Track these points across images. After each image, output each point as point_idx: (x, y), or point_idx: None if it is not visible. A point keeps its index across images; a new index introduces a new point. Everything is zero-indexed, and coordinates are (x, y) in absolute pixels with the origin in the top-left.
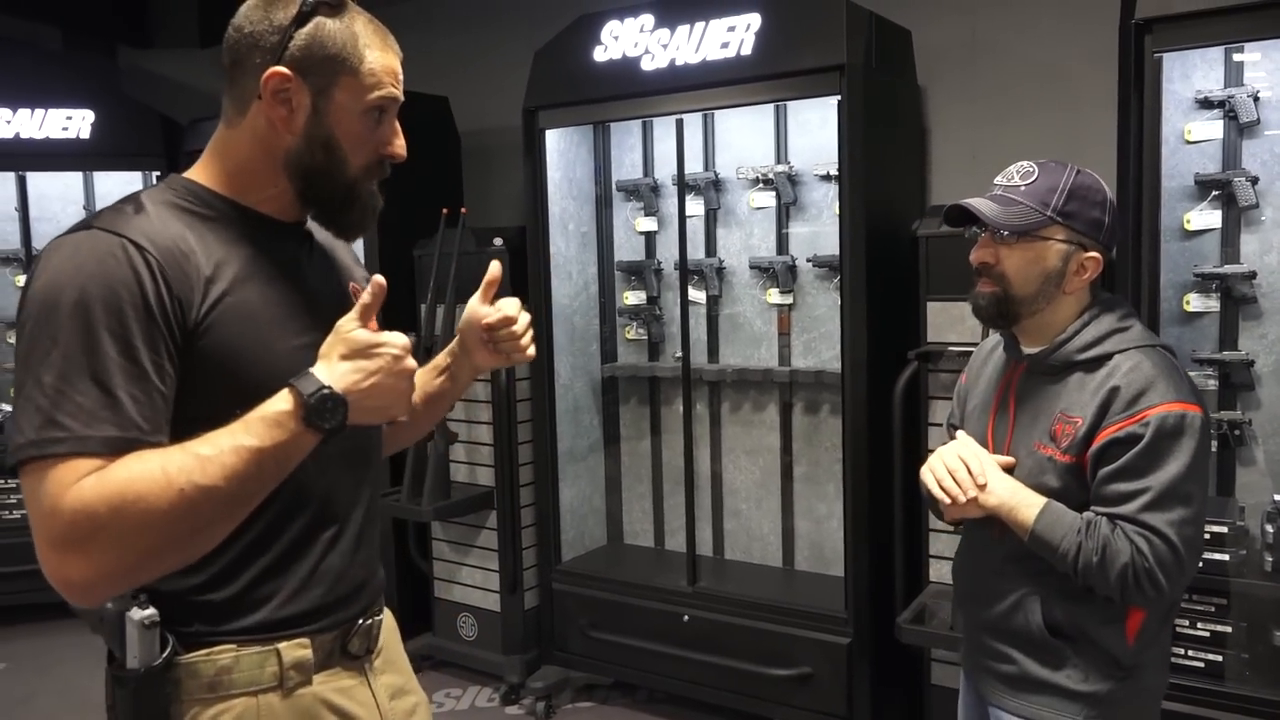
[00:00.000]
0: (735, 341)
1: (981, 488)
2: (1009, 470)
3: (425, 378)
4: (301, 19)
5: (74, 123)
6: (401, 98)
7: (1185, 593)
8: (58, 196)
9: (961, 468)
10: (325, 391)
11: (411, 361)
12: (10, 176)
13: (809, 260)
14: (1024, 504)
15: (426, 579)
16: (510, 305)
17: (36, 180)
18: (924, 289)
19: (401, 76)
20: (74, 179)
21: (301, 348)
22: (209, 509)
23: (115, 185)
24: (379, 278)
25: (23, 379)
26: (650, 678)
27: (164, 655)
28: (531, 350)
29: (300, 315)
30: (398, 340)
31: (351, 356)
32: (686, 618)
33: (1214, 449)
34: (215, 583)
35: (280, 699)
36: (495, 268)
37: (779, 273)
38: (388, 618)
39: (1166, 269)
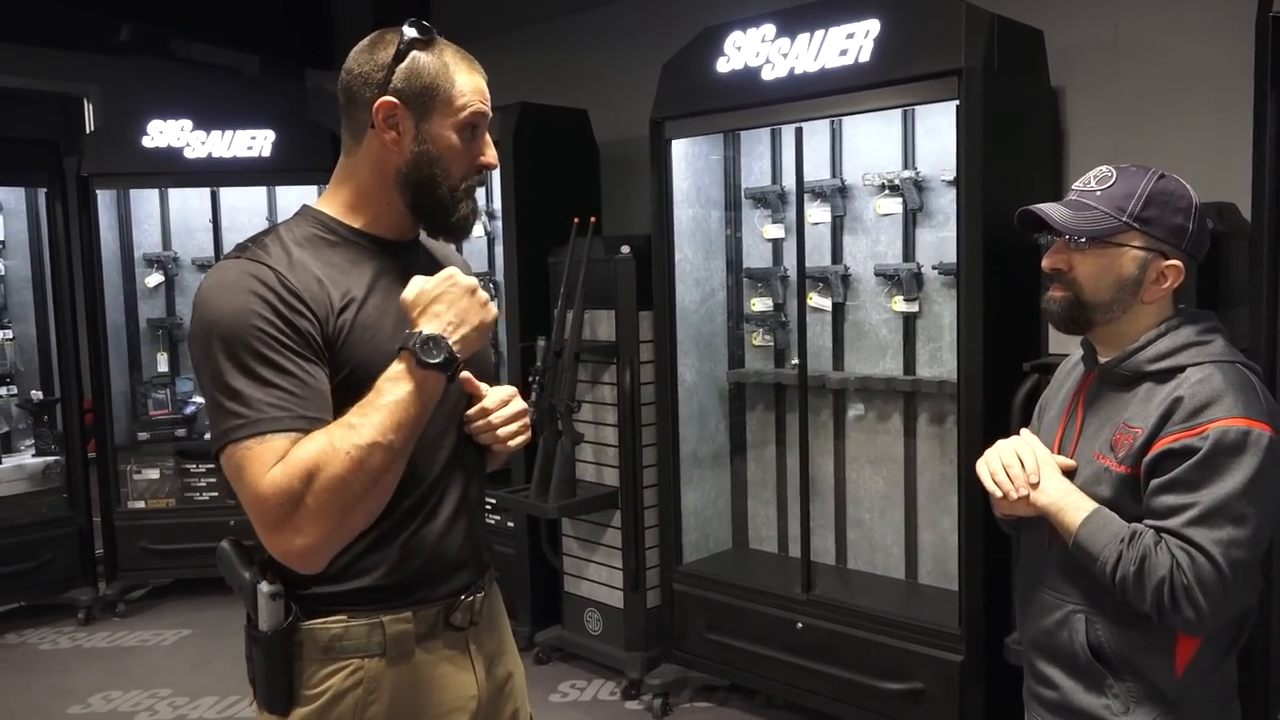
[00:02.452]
0: (860, 349)
1: (1034, 486)
2: (1069, 474)
3: None
4: (400, 56)
5: (257, 142)
6: (489, 113)
7: None
8: (245, 209)
9: (1017, 463)
10: (422, 335)
11: (466, 279)
12: (205, 192)
13: (934, 268)
14: (1073, 506)
15: (557, 573)
16: (493, 397)
17: (227, 195)
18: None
19: (488, 95)
20: (258, 193)
21: None
22: (375, 461)
23: (295, 198)
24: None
25: (206, 386)
26: (765, 682)
27: (288, 621)
28: (515, 441)
29: (408, 321)
30: (445, 273)
31: (423, 310)
32: (800, 625)
33: None
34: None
35: (385, 665)
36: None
37: (904, 280)
38: (494, 593)
39: None
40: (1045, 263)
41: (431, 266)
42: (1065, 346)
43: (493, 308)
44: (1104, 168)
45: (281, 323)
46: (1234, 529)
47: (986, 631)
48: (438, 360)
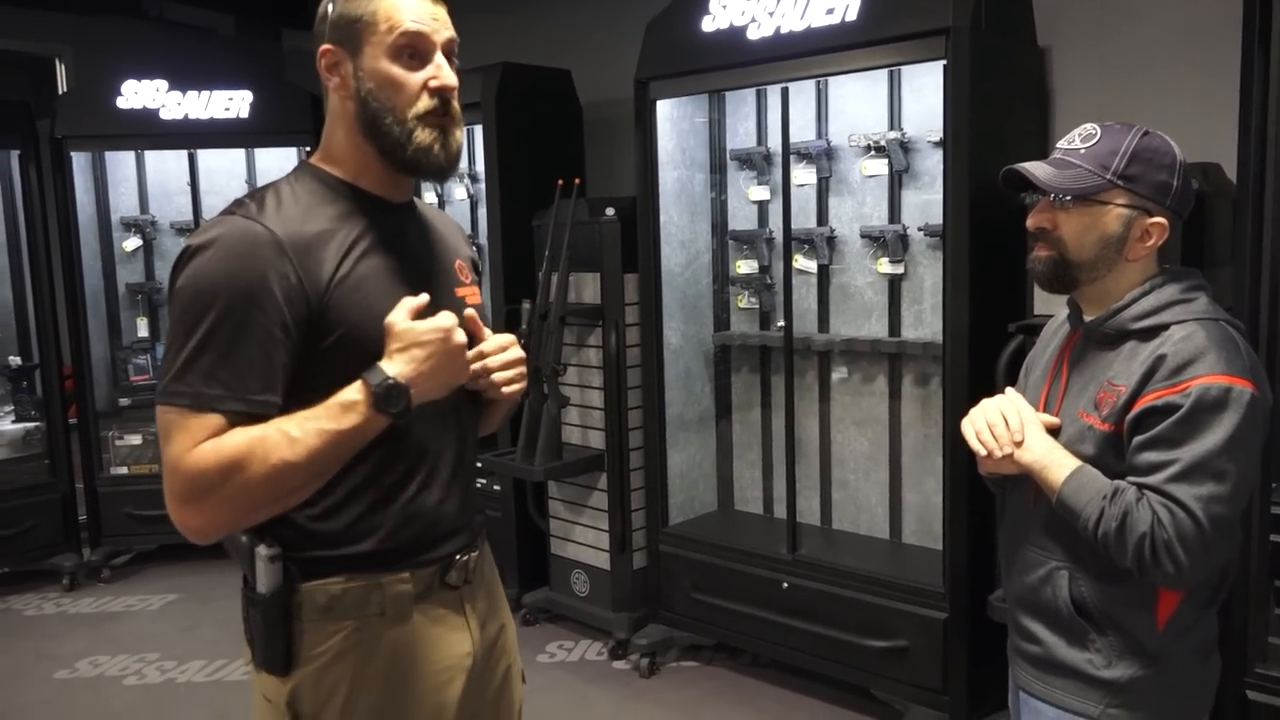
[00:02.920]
0: (845, 311)
1: (1018, 444)
2: (1054, 433)
3: None
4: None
5: (234, 103)
6: (426, 31)
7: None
8: (224, 171)
9: (1001, 422)
10: (389, 382)
11: (459, 337)
12: (183, 154)
13: (921, 229)
14: (1056, 464)
15: (544, 535)
16: (491, 343)
17: (205, 157)
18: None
19: (437, 15)
20: (237, 155)
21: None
22: (295, 479)
23: (274, 160)
24: (470, 311)
25: (170, 342)
26: (751, 642)
27: (286, 583)
28: (511, 389)
29: (406, 284)
30: (442, 323)
31: (405, 348)
32: (786, 585)
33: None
34: (328, 515)
35: (384, 625)
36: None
37: (890, 242)
38: (486, 552)
39: None
40: (1030, 221)
41: (425, 232)
42: (1050, 307)
43: (468, 370)
44: (1088, 125)
45: (263, 296)
46: (1214, 485)
47: (970, 589)
48: (393, 411)
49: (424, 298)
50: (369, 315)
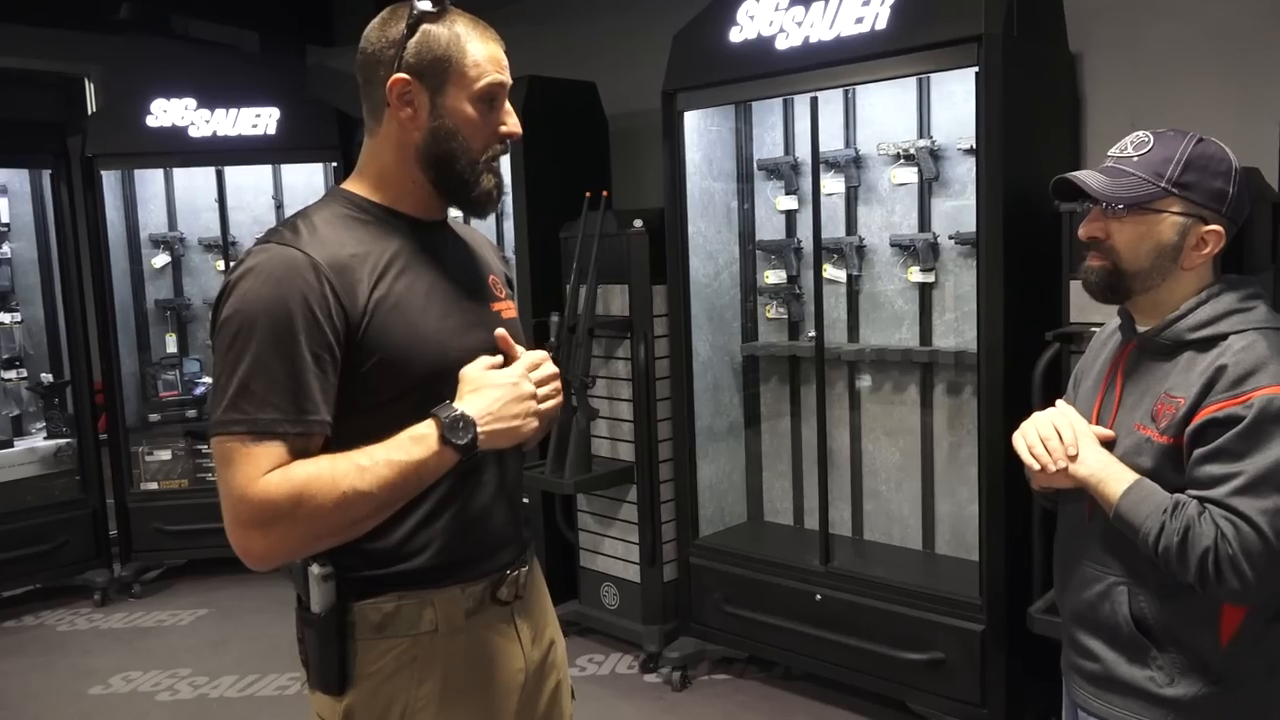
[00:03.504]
0: (875, 321)
1: (1072, 458)
2: (1108, 445)
3: None
4: (410, 30)
5: (262, 120)
6: (508, 82)
7: None
8: (251, 188)
9: (1054, 435)
10: (456, 413)
11: (528, 386)
12: (211, 171)
13: (951, 237)
14: (1114, 478)
15: (573, 548)
16: (525, 360)
17: (233, 174)
18: (1066, 267)
19: (506, 63)
20: (264, 172)
21: (444, 330)
22: (363, 508)
23: (300, 176)
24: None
25: (219, 370)
26: (783, 654)
27: (339, 602)
28: (548, 405)
29: (442, 301)
30: (512, 374)
31: (476, 390)
32: (819, 597)
33: None
34: (379, 533)
35: (436, 642)
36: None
37: (920, 250)
38: (535, 567)
39: None
40: (1082, 231)
41: (459, 249)
42: (1086, 316)
43: (535, 423)
44: (1141, 133)
45: (306, 318)
46: (1279, 498)
47: (1007, 601)
48: (460, 442)
49: (498, 358)
50: (408, 334)
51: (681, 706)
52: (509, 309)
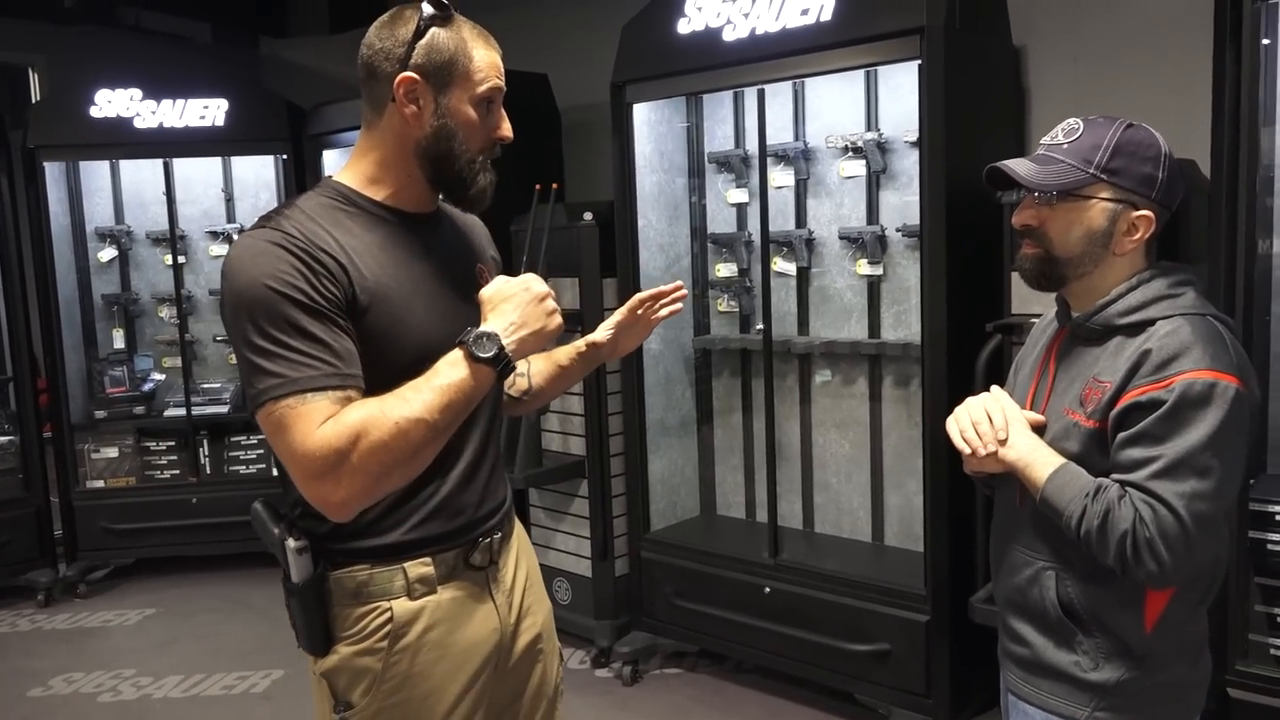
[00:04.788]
0: (825, 313)
1: (1002, 442)
2: (1039, 430)
3: (560, 354)
4: (420, 32)
5: (210, 111)
6: (504, 87)
7: None
8: (200, 181)
9: (985, 420)
10: (478, 332)
11: (540, 286)
12: (158, 164)
13: (899, 230)
14: (1040, 462)
15: None
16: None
17: (181, 166)
18: (1008, 259)
19: (503, 69)
20: (214, 164)
21: (428, 325)
22: (419, 435)
23: (251, 169)
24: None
25: (239, 349)
26: (734, 647)
27: (316, 572)
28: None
29: (427, 296)
30: (524, 278)
31: (494, 307)
32: (768, 590)
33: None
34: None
35: (410, 604)
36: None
37: (868, 243)
38: (518, 534)
39: (1278, 232)
40: (1015, 220)
41: (454, 234)
42: (1029, 306)
43: (557, 318)
44: (1071, 120)
45: (309, 287)
46: (1198, 481)
47: (951, 591)
48: (487, 355)
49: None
50: (391, 325)
51: (633, 701)
52: None
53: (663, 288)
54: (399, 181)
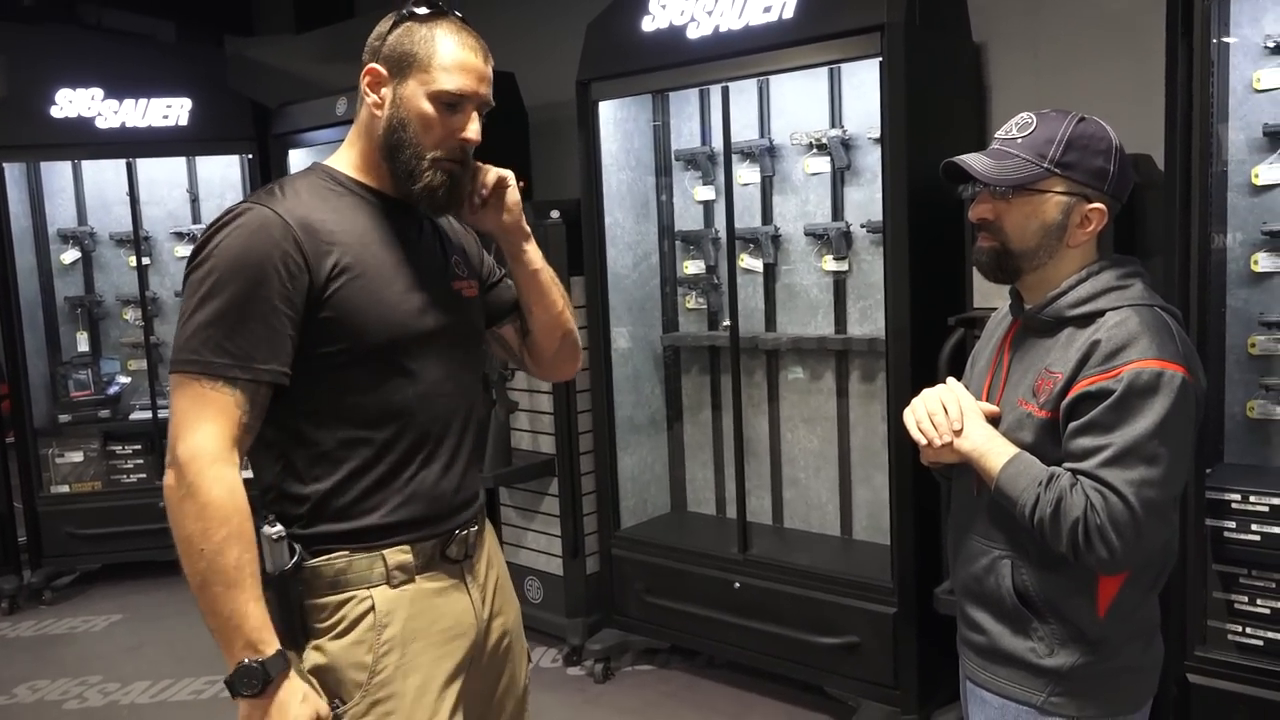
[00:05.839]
0: (792, 309)
1: (957, 433)
2: (994, 421)
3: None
4: (395, 26)
5: (173, 111)
6: (482, 94)
7: (1247, 568)
8: (164, 181)
9: (941, 411)
10: (254, 665)
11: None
12: (121, 164)
13: (863, 226)
14: (995, 452)
15: None
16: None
17: (145, 166)
18: (969, 253)
19: (483, 75)
20: (178, 164)
21: (403, 308)
22: (192, 568)
23: (216, 169)
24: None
25: (184, 312)
26: (705, 643)
27: (293, 560)
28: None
29: (405, 279)
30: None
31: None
32: (738, 585)
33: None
34: (336, 490)
35: (389, 593)
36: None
37: (834, 239)
38: (488, 531)
39: (1233, 226)
40: (971, 214)
41: (431, 228)
42: (990, 300)
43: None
44: (1025, 115)
45: (273, 273)
46: (1146, 469)
47: (917, 583)
48: (236, 685)
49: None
50: (369, 302)
51: (605, 698)
52: (470, 287)
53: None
54: (378, 172)
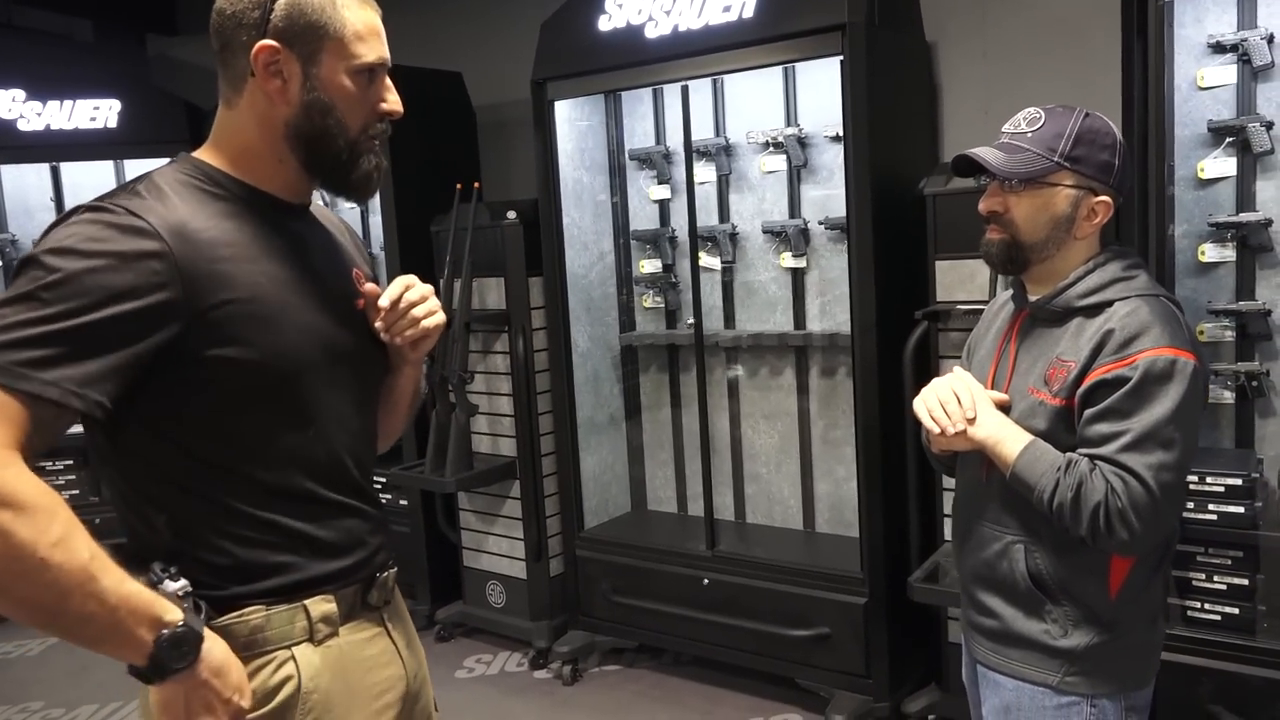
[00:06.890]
0: (751, 307)
1: (970, 421)
2: (1003, 409)
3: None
4: None
5: (101, 112)
6: (388, 56)
7: (1204, 546)
8: (90, 185)
9: (953, 399)
10: (182, 634)
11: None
12: (45, 168)
13: (820, 223)
14: (1010, 439)
15: (456, 549)
16: (395, 287)
17: (71, 170)
18: (932, 248)
19: (384, 34)
20: (106, 168)
21: (311, 329)
22: (36, 582)
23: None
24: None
25: (7, 295)
26: (673, 641)
27: (199, 620)
28: (434, 320)
29: (306, 292)
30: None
31: (217, 681)
32: (706, 581)
33: (1232, 401)
34: (240, 543)
35: (313, 649)
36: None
37: (791, 236)
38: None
39: (1180, 219)
40: (982, 205)
41: (324, 238)
42: (952, 294)
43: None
44: (1032, 109)
45: (124, 290)
46: (1163, 453)
47: (887, 573)
48: (167, 665)
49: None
50: (263, 318)
51: (573, 700)
52: None
53: (391, 294)
54: (268, 169)
